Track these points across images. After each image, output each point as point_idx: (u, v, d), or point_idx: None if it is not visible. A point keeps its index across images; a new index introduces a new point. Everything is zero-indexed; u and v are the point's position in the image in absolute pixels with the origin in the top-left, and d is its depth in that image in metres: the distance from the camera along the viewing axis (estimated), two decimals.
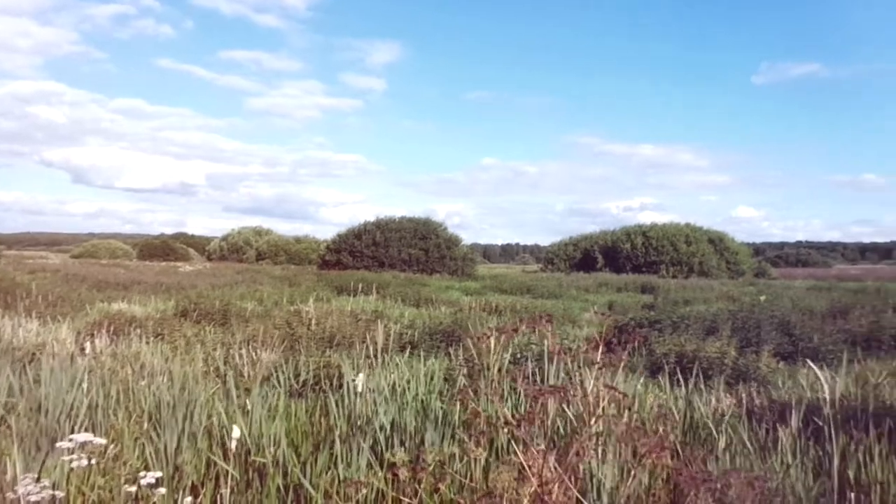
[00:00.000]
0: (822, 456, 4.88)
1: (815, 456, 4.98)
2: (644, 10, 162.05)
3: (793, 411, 5.61)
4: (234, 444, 3.88)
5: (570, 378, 4.83)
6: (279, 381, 6.80)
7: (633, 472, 2.67)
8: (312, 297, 15.42)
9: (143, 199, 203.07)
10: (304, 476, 4.02)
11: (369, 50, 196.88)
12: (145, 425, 4.82)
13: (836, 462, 4.68)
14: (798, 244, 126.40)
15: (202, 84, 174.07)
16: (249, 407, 4.94)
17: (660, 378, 7.92)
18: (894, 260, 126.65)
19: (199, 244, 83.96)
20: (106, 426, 4.87)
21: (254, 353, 8.10)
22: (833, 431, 5.03)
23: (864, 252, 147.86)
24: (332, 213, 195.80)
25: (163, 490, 3.33)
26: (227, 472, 3.94)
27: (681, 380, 7.14)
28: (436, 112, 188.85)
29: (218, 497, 3.97)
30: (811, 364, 7.10)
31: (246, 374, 7.29)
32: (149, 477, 3.24)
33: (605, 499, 3.04)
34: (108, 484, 3.69)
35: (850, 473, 4.59)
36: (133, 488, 3.44)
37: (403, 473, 2.90)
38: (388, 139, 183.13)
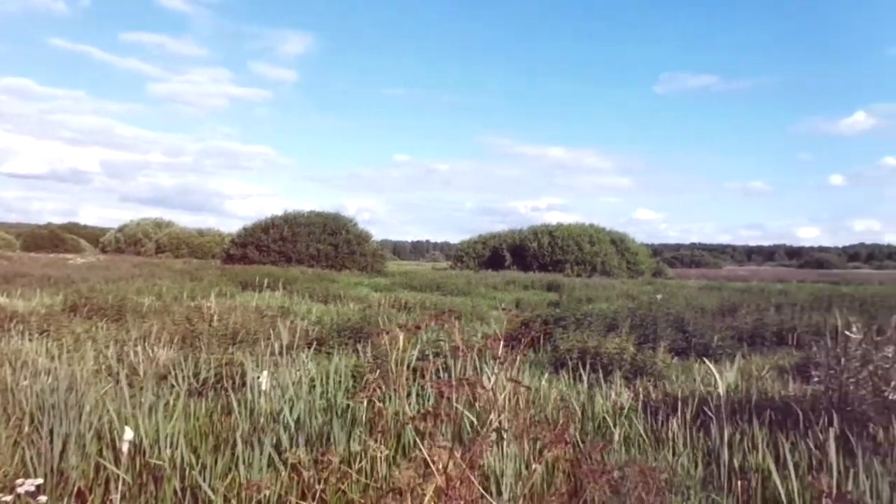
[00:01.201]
0: (711, 445, 5.17)
1: (704, 445, 5.27)
2: (555, 17, 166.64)
3: (685, 404, 5.92)
4: (126, 447, 3.68)
5: (478, 373, 4.89)
6: (178, 380, 6.51)
7: (533, 466, 2.72)
8: (215, 293, 14.88)
9: (28, 185, 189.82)
10: (203, 478, 3.87)
11: (281, 40, 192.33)
12: (26, 428, 4.49)
13: (722, 451, 4.97)
14: (692, 246, 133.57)
15: (99, 66, 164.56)
16: (145, 407, 4.71)
17: (563, 373, 8.16)
18: (777, 262, 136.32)
19: (92, 235, 79.22)
20: None
21: (150, 351, 7.72)
22: (720, 422, 5.34)
23: (751, 254, 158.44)
24: (239, 206, 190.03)
25: (44, 498, 3.11)
26: (119, 476, 3.73)
27: (583, 375, 7.38)
28: (348, 106, 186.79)
29: (107, 503, 3.75)
30: (704, 359, 7.51)
31: (141, 373, 6.93)
32: (27, 484, 3.01)
33: (506, 493, 3.10)
34: None
35: (735, 461, 4.89)
36: (9, 497, 3.19)
37: (306, 473, 2.84)
38: (299, 132, 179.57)
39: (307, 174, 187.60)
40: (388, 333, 4.37)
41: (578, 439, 5.23)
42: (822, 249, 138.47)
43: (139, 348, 7.69)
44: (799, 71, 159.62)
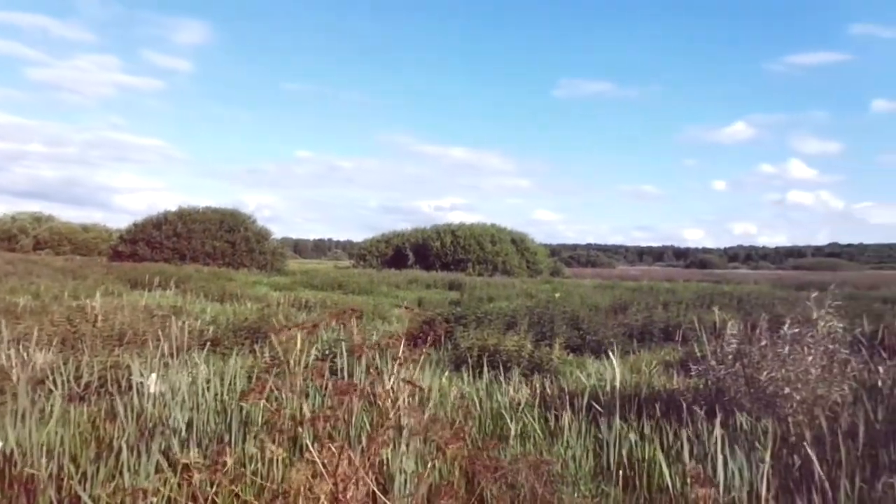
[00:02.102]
0: (602, 437, 5.40)
1: (595, 438, 5.49)
2: (458, 18, 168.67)
3: (579, 398, 6.15)
4: None
5: (379, 373, 4.86)
6: (56, 384, 6.10)
7: (429, 464, 2.75)
8: (100, 291, 14.03)
9: None
10: (84, 488, 3.64)
11: (175, 28, 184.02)
12: None
13: (612, 442, 5.21)
14: (588, 246, 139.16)
15: None
16: (18, 414, 4.37)
17: (463, 371, 8.27)
18: (665, 262, 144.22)
19: None
20: None
21: (25, 354, 7.18)
22: (610, 416, 5.59)
23: (642, 255, 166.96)
24: (129, 201, 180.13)
25: None
26: None
27: (483, 372, 7.52)
28: (248, 100, 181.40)
29: None
30: (612, 356, 7.82)
31: (15, 378, 6.43)
32: None
33: (399, 491, 3.11)
34: None
35: (624, 452, 5.13)
36: None
37: (197, 476, 2.73)
38: (195, 125, 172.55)
39: (204, 169, 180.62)
40: (286, 332, 4.28)
41: (477, 436, 5.32)
42: (705, 251, 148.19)
43: (12, 352, 7.13)
44: (685, 81, 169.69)
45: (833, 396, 5.49)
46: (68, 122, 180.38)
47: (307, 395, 5.14)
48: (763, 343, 5.88)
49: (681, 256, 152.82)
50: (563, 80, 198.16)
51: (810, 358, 5.62)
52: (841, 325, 6.18)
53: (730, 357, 6.14)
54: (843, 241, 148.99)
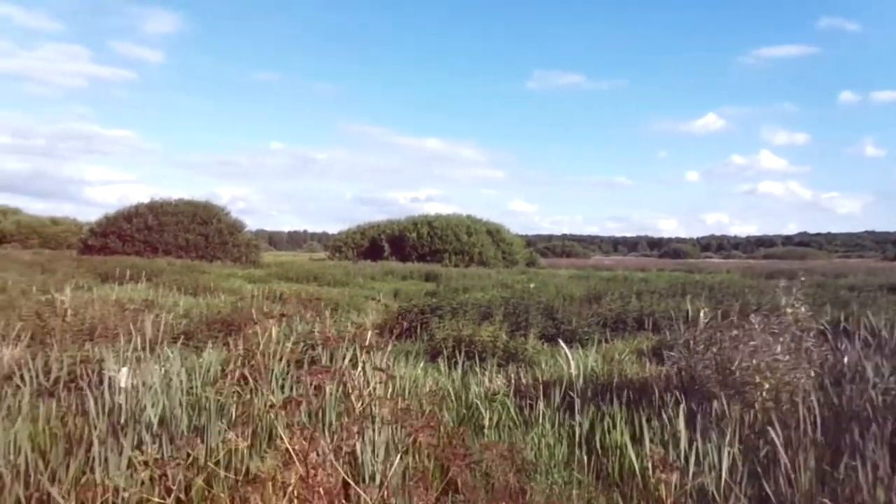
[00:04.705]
0: (575, 425, 5.47)
1: (569, 426, 5.56)
2: (431, 9, 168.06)
3: (553, 387, 6.21)
4: None
5: (353, 364, 4.87)
6: (24, 380, 5.99)
7: (400, 452, 2.77)
8: (70, 285, 13.79)
9: None
10: (53, 484, 3.60)
11: (145, 17, 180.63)
12: None
13: (584, 430, 5.27)
14: (563, 237, 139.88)
15: None
16: None
17: (439, 362, 8.30)
18: (639, 252, 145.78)
19: None
20: None
21: None
22: (584, 404, 5.65)
23: (617, 245, 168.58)
24: (99, 194, 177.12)
25: None
26: None
27: (458, 363, 7.55)
28: (219, 90, 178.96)
29: None
30: (565, 345, 7.90)
31: None
32: None
33: (376, 479, 3.12)
34: None
35: (597, 439, 5.20)
36: None
37: (170, 471, 2.71)
38: (166, 116, 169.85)
39: (176, 160, 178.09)
40: (257, 324, 4.25)
41: (452, 425, 5.35)
42: (679, 240, 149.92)
43: None
44: (656, 73, 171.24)
45: (800, 382, 5.61)
46: (34, 114, 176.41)
47: (281, 387, 5.13)
48: (734, 332, 5.98)
49: (654, 246, 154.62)
50: (536, 72, 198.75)
51: (778, 347, 5.73)
52: (809, 312, 6.31)
53: (701, 345, 6.24)
54: (812, 230, 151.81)
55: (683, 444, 4.58)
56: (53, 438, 4.50)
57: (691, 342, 6.38)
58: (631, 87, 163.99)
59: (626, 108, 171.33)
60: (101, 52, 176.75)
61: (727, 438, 4.62)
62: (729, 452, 4.39)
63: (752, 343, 5.74)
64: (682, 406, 5.11)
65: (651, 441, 4.89)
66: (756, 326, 5.90)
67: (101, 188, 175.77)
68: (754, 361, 5.64)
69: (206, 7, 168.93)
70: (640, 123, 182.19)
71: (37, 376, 6.25)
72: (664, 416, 5.34)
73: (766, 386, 5.54)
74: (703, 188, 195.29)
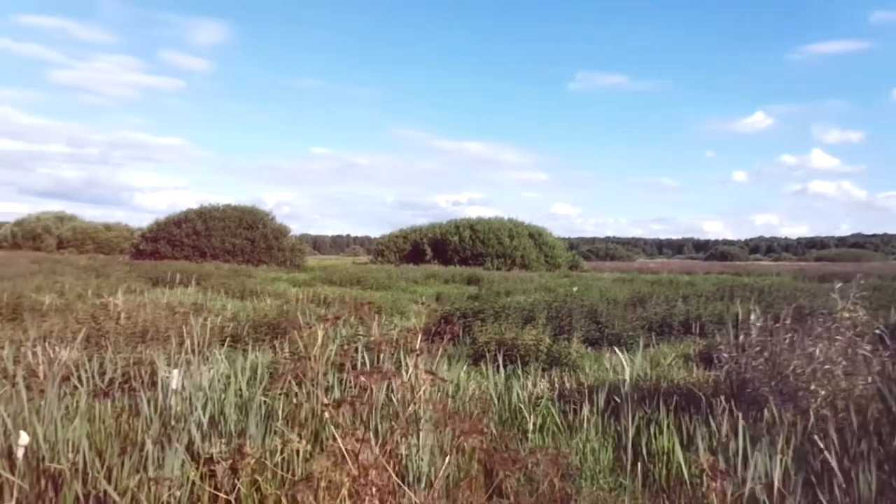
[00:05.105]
0: (621, 431, 5.39)
1: (614, 431, 5.48)
2: (477, 11, 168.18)
3: (597, 392, 6.13)
4: (21, 452, 3.48)
5: (398, 367, 4.89)
6: (81, 381, 6.20)
7: (448, 455, 2.77)
8: (123, 289, 14.22)
9: None
10: (109, 482, 3.71)
11: (194, 28, 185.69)
12: None
13: (630, 436, 5.19)
14: (607, 239, 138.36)
15: None
16: (44, 410, 4.46)
17: (482, 365, 8.29)
18: (684, 255, 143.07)
19: None
20: None
21: (51, 351, 7.30)
22: (629, 409, 5.57)
23: (661, 247, 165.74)
24: (150, 200, 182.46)
25: None
26: (14, 483, 3.53)
27: (500, 366, 7.53)
28: (265, 97, 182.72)
29: None
30: (618, 350, 7.79)
31: (41, 375, 6.55)
32: None
33: (422, 481, 3.13)
34: None
35: (643, 445, 5.11)
36: None
37: (220, 469, 2.77)
38: (214, 123, 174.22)
39: (224, 166, 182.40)
40: (308, 327, 4.31)
41: (495, 429, 5.33)
42: (726, 242, 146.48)
43: (38, 349, 7.26)
44: (702, 73, 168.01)
45: (856, 389, 5.42)
46: (90, 123, 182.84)
47: (327, 389, 5.19)
48: (787, 336, 5.82)
49: (700, 249, 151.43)
50: (579, 74, 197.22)
51: (834, 350, 5.55)
52: (866, 316, 6.09)
53: (754, 349, 6.09)
54: (867, 231, 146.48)
55: (733, 450, 4.46)
56: (109, 438, 4.64)
57: (743, 346, 6.23)
58: (676, 87, 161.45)
59: (672, 108, 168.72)
60: (151, 62, 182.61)
61: (779, 446, 4.49)
62: (781, 460, 4.27)
63: (806, 348, 5.58)
64: (733, 412, 4.99)
65: (698, 447, 4.78)
66: (811, 331, 5.73)
67: (152, 194, 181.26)
68: (810, 367, 5.47)
69: (251, 16, 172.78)
70: (686, 123, 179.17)
71: (93, 377, 6.46)
72: (712, 422, 5.22)
73: (822, 393, 5.37)
74: (752, 188, 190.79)
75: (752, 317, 6.55)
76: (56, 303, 13.26)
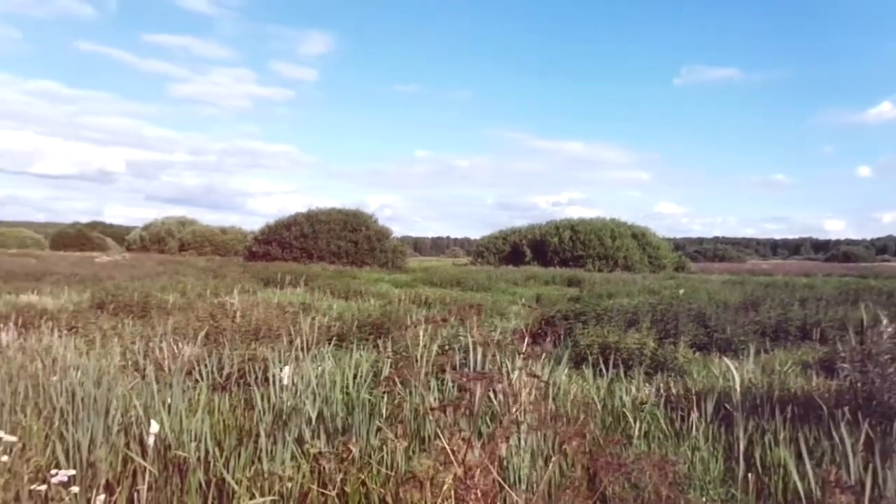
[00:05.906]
0: (732, 440, 5.14)
1: (725, 441, 5.24)
2: (573, 10, 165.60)
3: (706, 399, 5.88)
4: (151, 440, 3.77)
5: (499, 368, 4.90)
6: (202, 375, 6.62)
7: (551, 459, 2.75)
8: (237, 289, 15.05)
9: (57, 185, 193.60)
10: (227, 471, 3.94)
11: (301, 39, 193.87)
12: (56, 422, 4.60)
13: (742, 446, 4.94)
14: (715, 240, 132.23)
15: (124, 68, 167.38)
16: (170, 401, 4.80)
17: (584, 368, 8.15)
18: (802, 255, 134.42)
19: (117, 234, 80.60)
20: (12, 424, 4.61)
21: (175, 347, 7.85)
22: (741, 417, 5.30)
23: (776, 248, 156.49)
24: (261, 204, 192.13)
25: (75, 489, 3.20)
26: (145, 468, 3.82)
27: (603, 370, 7.37)
28: (368, 104, 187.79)
29: (135, 494, 3.84)
30: (726, 359, 7.45)
31: (167, 368, 7.06)
32: (60, 475, 3.10)
33: (524, 484, 3.12)
34: (11, 483, 3.50)
35: (756, 456, 4.86)
36: (42, 487, 3.28)
37: (327, 465, 2.88)
38: (321, 130, 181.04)
39: (329, 171, 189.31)
40: (414, 327, 4.41)
41: (598, 434, 5.23)
42: (849, 242, 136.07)
43: (164, 344, 7.82)
44: (820, 62, 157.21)
45: None
46: (207, 133, 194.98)
47: (430, 388, 5.27)
48: None
49: (820, 249, 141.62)
50: (684, 68, 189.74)
51: None
52: None
53: (884, 357, 5.64)
54: None
55: (858, 465, 4.16)
56: (226, 429, 4.93)
57: (870, 353, 5.79)
58: (790, 79, 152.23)
59: (785, 101, 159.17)
60: (263, 73, 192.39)
61: None
62: None
63: None
64: (856, 424, 4.65)
65: (820, 461, 4.49)
66: None
67: (263, 199, 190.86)
68: None
69: (355, 26, 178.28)
70: (801, 117, 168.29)
71: (212, 372, 6.88)
72: (834, 434, 4.89)
73: None
74: (877, 184, 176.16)
75: (884, 321, 6.07)
76: (179, 301, 14.23)
